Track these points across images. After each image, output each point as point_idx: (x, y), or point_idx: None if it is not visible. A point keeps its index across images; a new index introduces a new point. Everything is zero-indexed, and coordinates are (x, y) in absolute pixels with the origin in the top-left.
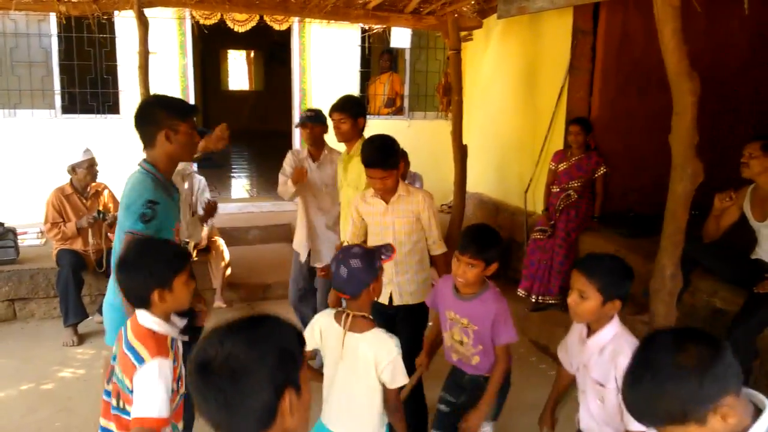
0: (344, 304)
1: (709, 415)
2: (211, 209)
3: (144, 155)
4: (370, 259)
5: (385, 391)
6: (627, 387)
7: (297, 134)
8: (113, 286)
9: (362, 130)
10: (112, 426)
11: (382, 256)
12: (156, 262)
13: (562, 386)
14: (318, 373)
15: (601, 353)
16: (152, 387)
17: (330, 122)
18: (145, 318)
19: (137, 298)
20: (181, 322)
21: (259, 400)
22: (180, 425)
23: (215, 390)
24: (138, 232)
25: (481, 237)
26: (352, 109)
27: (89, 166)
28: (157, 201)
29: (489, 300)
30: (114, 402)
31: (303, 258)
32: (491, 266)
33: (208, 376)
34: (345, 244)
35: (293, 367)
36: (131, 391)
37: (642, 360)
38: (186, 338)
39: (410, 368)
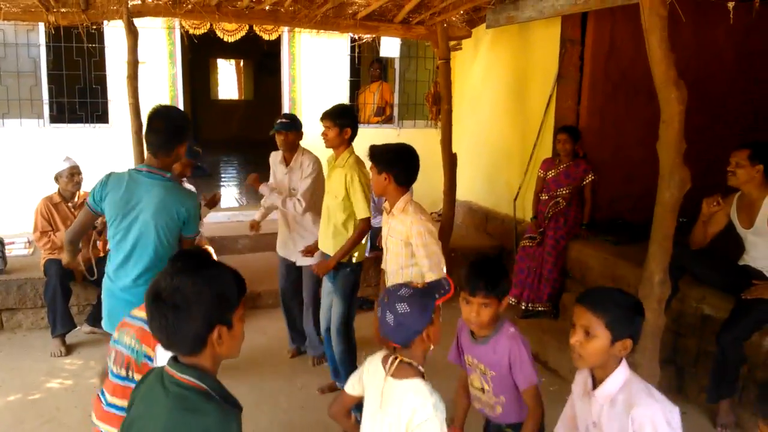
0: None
1: None
2: (214, 200)
3: (150, 162)
4: (421, 301)
5: None
6: None
7: None
8: (113, 274)
9: (350, 140)
10: (108, 395)
11: (437, 295)
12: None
13: None
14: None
15: (613, 405)
16: None
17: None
18: None
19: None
20: None
21: (192, 329)
22: None
23: (160, 315)
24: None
25: (490, 271)
26: (339, 118)
27: (70, 174)
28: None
29: (502, 339)
30: (123, 374)
31: (291, 257)
32: (504, 301)
33: (157, 302)
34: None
35: (226, 308)
36: (151, 360)
37: None
38: None
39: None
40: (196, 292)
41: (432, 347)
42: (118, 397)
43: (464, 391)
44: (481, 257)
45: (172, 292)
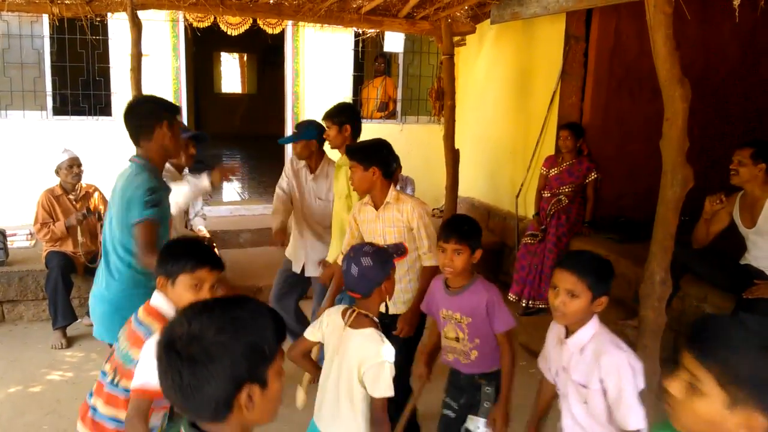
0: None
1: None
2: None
3: (135, 153)
4: (381, 257)
5: (371, 400)
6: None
7: None
8: (105, 277)
9: (352, 137)
10: (99, 403)
11: (394, 254)
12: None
13: (546, 399)
14: (318, 368)
15: (582, 353)
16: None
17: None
18: (159, 300)
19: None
20: None
21: (214, 391)
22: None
23: (172, 370)
24: (149, 219)
25: (463, 223)
26: (337, 116)
27: (69, 166)
28: (157, 188)
29: (479, 289)
30: (110, 377)
31: (296, 268)
32: (477, 253)
33: (169, 353)
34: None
35: (259, 362)
36: (136, 363)
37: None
38: None
39: (407, 379)
40: (221, 343)
41: (388, 298)
42: (98, 396)
43: (435, 337)
44: (457, 215)
45: (189, 341)
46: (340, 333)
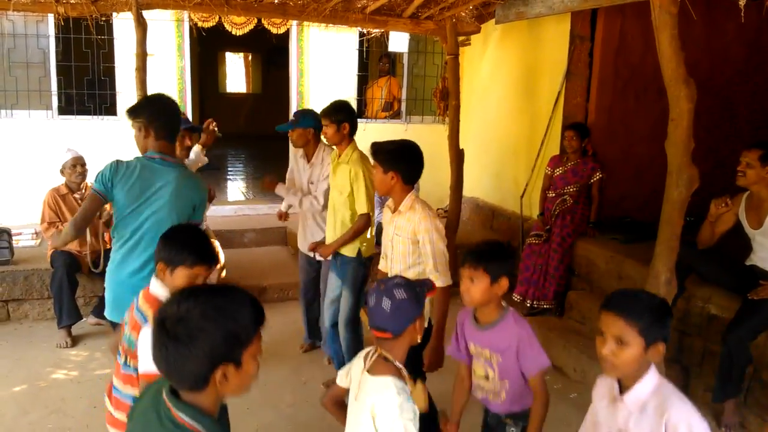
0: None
1: None
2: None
3: (159, 150)
4: (416, 289)
5: None
6: None
7: None
8: (120, 261)
9: (350, 135)
10: (117, 382)
11: (425, 288)
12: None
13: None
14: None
15: (643, 411)
16: None
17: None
18: (157, 288)
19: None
20: None
21: (194, 367)
22: None
23: (160, 344)
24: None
25: (481, 247)
26: (335, 115)
27: (72, 166)
28: None
29: (509, 326)
30: (122, 359)
31: (304, 249)
32: (500, 282)
33: (160, 329)
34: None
35: (236, 346)
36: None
37: None
38: None
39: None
40: (202, 328)
41: (419, 339)
42: (117, 378)
43: (461, 387)
44: (484, 240)
45: (176, 322)
46: (359, 377)
